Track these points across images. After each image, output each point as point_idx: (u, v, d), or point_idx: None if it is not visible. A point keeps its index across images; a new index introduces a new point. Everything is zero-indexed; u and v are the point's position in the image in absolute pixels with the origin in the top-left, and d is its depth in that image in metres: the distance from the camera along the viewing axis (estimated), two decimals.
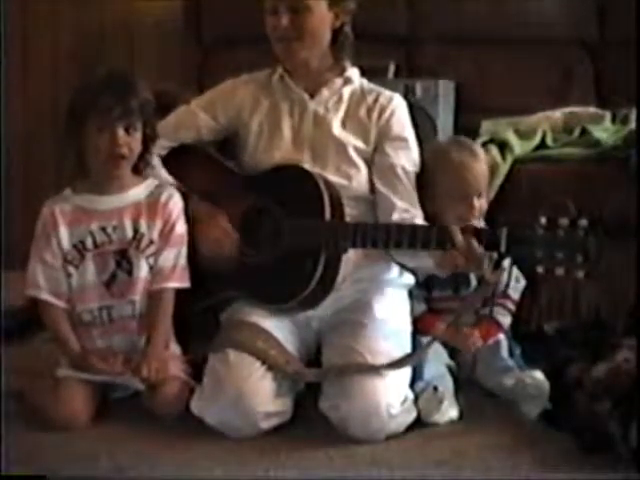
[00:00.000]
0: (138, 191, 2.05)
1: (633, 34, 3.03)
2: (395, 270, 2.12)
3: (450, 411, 1.95)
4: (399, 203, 2.04)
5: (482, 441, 1.86)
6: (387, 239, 1.89)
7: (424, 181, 2.12)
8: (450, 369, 2.11)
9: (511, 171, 2.41)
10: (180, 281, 2.03)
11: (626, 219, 2.17)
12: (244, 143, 2.17)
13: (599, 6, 3.26)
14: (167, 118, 2.20)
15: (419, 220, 2.02)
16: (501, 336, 2.16)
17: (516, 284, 2.21)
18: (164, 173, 2.14)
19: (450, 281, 2.18)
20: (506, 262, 2.15)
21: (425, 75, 2.93)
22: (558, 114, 2.68)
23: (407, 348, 2.01)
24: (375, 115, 2.14)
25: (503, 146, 2.45)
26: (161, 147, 2.15)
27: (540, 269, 1.74)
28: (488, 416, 1.98)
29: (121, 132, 1.95)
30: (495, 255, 2.01)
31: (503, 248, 1.80)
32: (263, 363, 1.91)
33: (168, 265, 2.02)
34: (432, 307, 2.20)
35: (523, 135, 2.53)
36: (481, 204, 2.13)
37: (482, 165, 2.17)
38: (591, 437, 1.78)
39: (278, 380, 1.91)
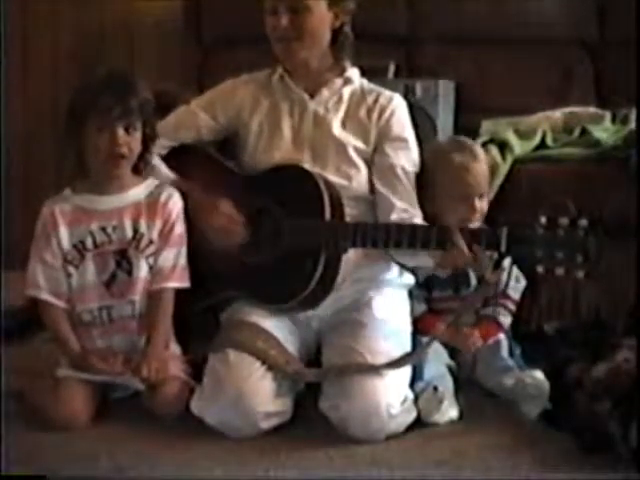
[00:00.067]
0: (138, 191, 2.05)
1: (633, 34, 3.03)
2: (395, 270, 2.12)
3: (450, 411, 1.95)
4: (398, 203, 2.04)
5: (482, 441, 1.86)
6: (387, 239, 1.89)
7: (424, 181, 2.12)
8: (450, 369, 2.11)
9: (511, 171, 2.41)
10: (180, 281, 2.03)
11: (626, 219, 2.17)
12: (244, 143, 2.17)
13: (599, 6, 3.26)
14: (167, 118, 2.20)
15: (418, 220, 2.02)
16: (501, 336, 2.16)
17: (516, 284, 2.21)
18: (164, 169, 2.14)
19: (450, 281, 2.18)
20: (506, 262, 2.15)
21: (425, 75, 2.93)
22: (558, 114, 2.67)
23: (407, 348, 2.01)
24: (375, 115, 2.13)
25: (503, 146, 2.45)
26: (161, 147, 2.15)
27: (540, 269, 1.74)
28: (488, 416, 1.98)
29: (121, 132, 1.95)
30: (495, 255, 2.02)
31: (503, 248, 1.80)
32: (263, 363, 1.91)
33: (168, 265, 2.02)
34: (432, 307, 2.20)
35: (523, 135, 2.53)
36: (481, 205, 2.13)
37: (482, 166, 2.17)
38: (591, 437, 1.78)
39: (278, 380, 1.91)
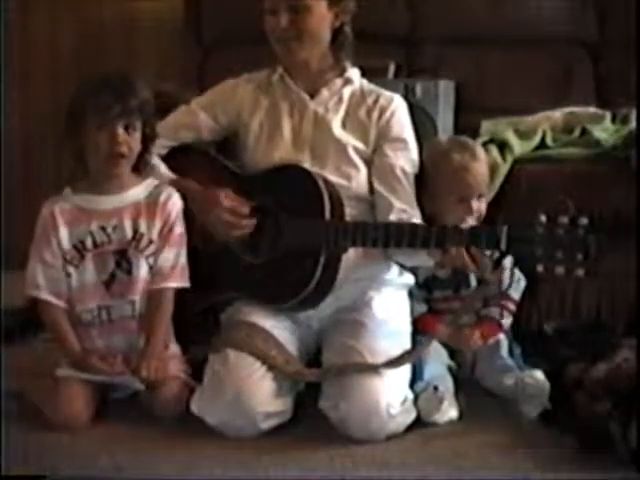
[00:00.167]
0: (137, 191, 2.05)
1: (633, 34, 3.03)
2: (395, 270, 2.12)
3: (450, 411, 1.95)
4: (397, 204, 2.04)
5: (482, 441, 1.86)
6: (387, 238, 1.89)
7: (424, 181, 2.12)
8: (450, 369, 2.11)
9: (511, 171, 2.41)
10: (180, 281, 2.03)
11: (626, 219, 2.17)
12: (244, 143, 2.17)
13: (599, 6, 3.25)
14: (167, 118, 2.20)
15: (416, 221, 2.02)
16: (501, 336, 2.16)
17: (516, 284, 2.20)
18: (164, 169, 2.14)
19: (450, 281, 2.18)
20: (506, 262, 2.16)
21: (425, 75, 2.93)
22: (558, 114, 2.67)
23: (407, 348, 2.00)
24: (375, 116, 2.13)
25: (503, 146, 2.45)
26: (161, 147, 2.15)
27: (540, 268, 1.74)
28: (488, 416, 1.98)
29: (120, 130, 1.95)
30: (495, 254, 2.02)
31: (503, 247, 1.79)
32: (263, 363, 1.91)
33: (167, 265, 2.02)
34: (432, 307, 2.20)
35: (523, 135, 2.53)
36: (479, 206, 2.12)
37: (482, 166, 2.16)
38: (591, 437, 1.78)
39: (278, 380, 1.91)
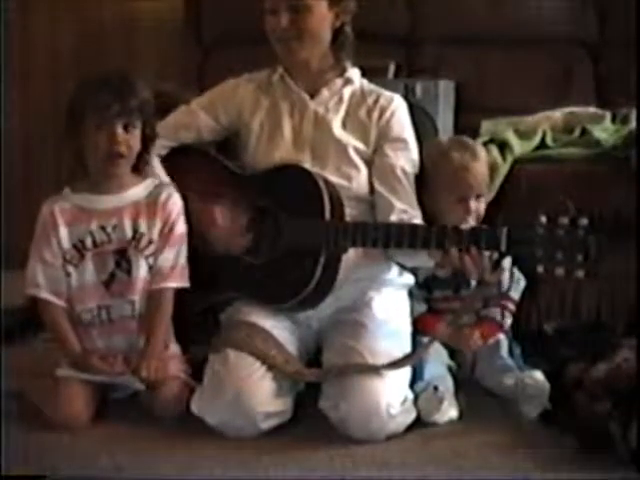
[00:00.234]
0: (137, 191, 2.05)
1: (633, 34, 3.03)
2: (395, 270, 2.12)
3: (450, 411, 1.95)
4: (398, 204, 2.04)
5: (482, 441, 1.86)
6: (387, 239, 1.89)
7: (424, 181, 2.12)
8: (450, 369, 2.11)
9: (511, 171, 2.41)
10: (180, 281, 2.03)
11: (626, 219, 2.17)
12: (244, 143, 2.17)
13: (599, 6, 3.25)
14: (167, 118, 2.20)
15: (417, 221, 2.02)
16: (501, 336, 2.16)
17: (516, 284, 2.20)
18: (163, 175, 2.13)
19: (450, 281, 2.18)
20: (506, 262, 2.15)
21: (425, 75, 2.93)
22: (558, 114, 2.67)
23: (407, 348, 2.01)
24: (375, 116, 2.13)
25: (503, 146, 2.45)
26: (161, 147, 2.15)
27: (540, 268, 1.74)
28: (488, 416, 1.98)
29: (120, 130, 1.95)
30: (495, 255, 2.02)
31: (503, 247, 1.79)
32: (263, 363, 1.91)
33: (167, 265, 2.02)
34: (432, 307, 2.21)
35: (523, 135, 2.53)
36: (478, 206, 2.12)
37: (482, 166, 2.16)
38: (591, 437, 1.78)
39: (278, 380, 1.91)
